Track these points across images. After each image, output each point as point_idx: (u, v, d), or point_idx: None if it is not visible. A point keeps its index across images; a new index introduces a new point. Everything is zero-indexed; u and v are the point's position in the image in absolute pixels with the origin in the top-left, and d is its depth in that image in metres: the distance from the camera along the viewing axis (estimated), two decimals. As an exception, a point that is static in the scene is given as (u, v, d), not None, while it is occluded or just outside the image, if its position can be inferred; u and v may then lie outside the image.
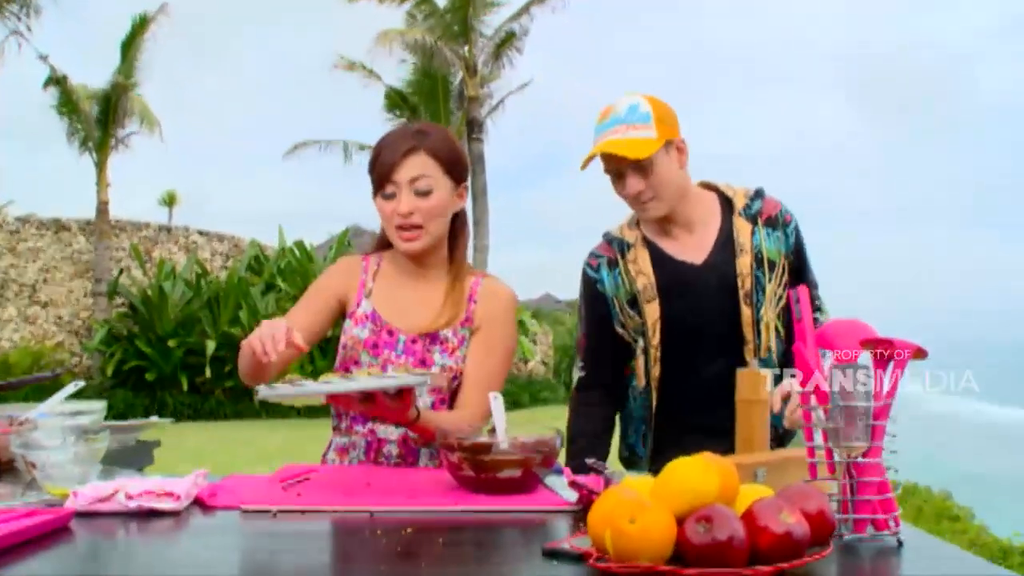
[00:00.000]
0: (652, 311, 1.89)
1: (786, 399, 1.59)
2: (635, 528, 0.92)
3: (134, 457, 1.75)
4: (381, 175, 1.71)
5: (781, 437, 1.81)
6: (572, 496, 1.30)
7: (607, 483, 1.26)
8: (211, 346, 14.20)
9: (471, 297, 1.77)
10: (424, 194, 1.69)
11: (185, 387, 14.45)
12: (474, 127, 17.11)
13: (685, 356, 1.88)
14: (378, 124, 18.23)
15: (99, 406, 1.59)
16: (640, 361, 1.92)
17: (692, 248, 1.92)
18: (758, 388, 1.45)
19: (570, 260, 2.03)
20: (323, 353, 12.55)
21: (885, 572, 1.04)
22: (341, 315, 1.81)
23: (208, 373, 14.25)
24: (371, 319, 1.76)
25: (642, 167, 1.81)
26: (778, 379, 1.56)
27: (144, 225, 16.77)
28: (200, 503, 1.31)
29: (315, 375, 1.51)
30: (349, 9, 17.33)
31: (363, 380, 1.47)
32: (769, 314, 1.88)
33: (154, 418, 1.93)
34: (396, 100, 18.00)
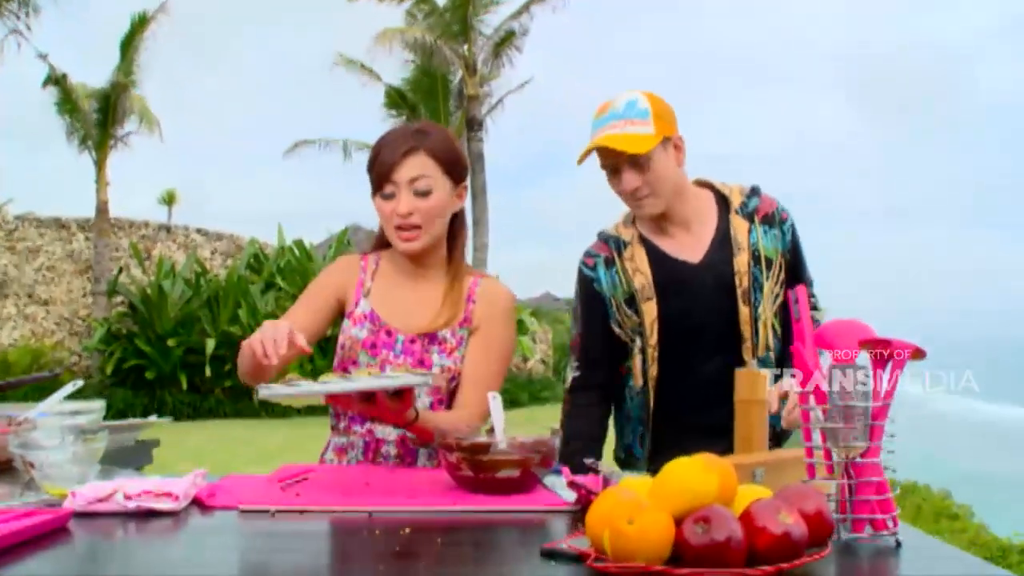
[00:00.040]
0: (650, 310, 1.88)
1: (783, 399, 1.59)
2: (633, 529, 0.92)
3: (133, 457, 1.76)
4: (380, 175, 1.70)
5: (778, 436, 1.81)
6: (571, 496, 1.30)
7: (606, 483, 1.26)
8: (211, 345, 14.20)
9: (469, 297, 1.77)
10: (423, 194, 1.69)
11: (184, 386, 14.45)
12: (474, 126, 17.11)
13: (683, 355, 1.88)
14: (378, 123, 18.25)
15: (97, 406, 1.59)
16: (637, 361, 1.91)
17: (689, 246, 1.91)
18: (757, 388, 1.45)
19: (570, 259, 2.03)
20: (323, 352, 12.54)
21: (883, 572, 1.04)
22: (341, 314, 1.81)
23: (208, 372, 14.24)
24: (369, 319, 1.75)
25: (639, 163, 1.81)
26: (777, 379, 1.56)
27: (143, 224, 16.76)
28: (199, 503, 1.31)
29: (315, 374, 1.51)
30: (349, 8, 17.34)
31: (363, 380, 1.46)
32: (767, 312, 1.88)
33: (153, 417, 1.93)
34: (396, 99, 17.99)
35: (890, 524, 1.11)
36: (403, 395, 1.49)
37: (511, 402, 14.22)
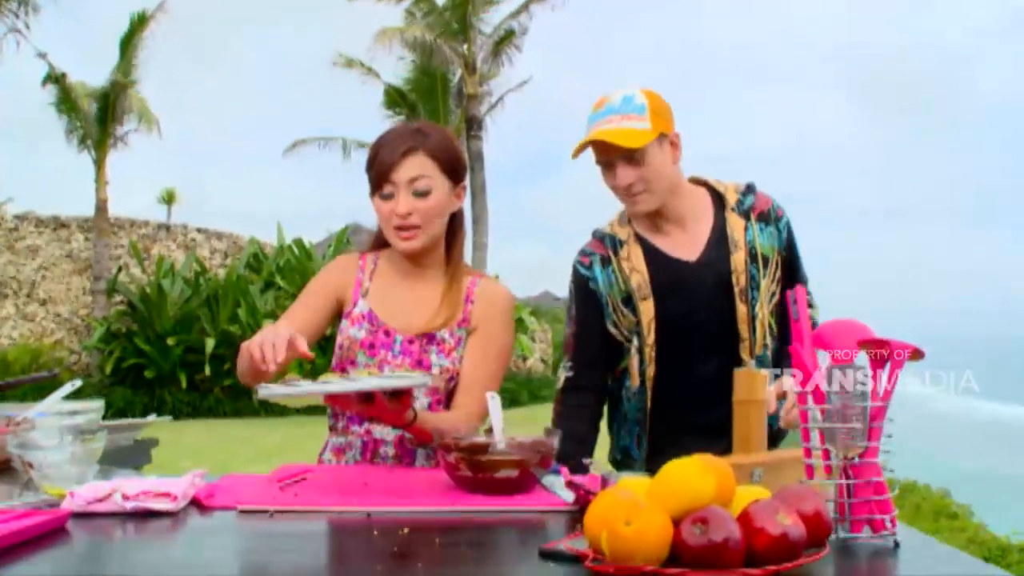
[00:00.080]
0: (647, 309, 1.87)
1: (781, 398, 1.59)
2: (631, 529, 0.92)
3: (132, 456, 1.76)
4: (379, 175, 1.70)
5: (774, 436, 1.81)
6: (569, 496, 1.30)
7: (604, 483, 1.26)
8: (210, 344, 14.20)
9: (468, 297, 1.77)
10: (423, 194, 1.69)
11: (184, 385, 14.45)
12: (473, 125, 17.11)
13: (680, 355, 1.87)
14: (377, 122, 18.24)
15: (96, 406, 1.59)
16: (634, 361, 1.90)
17: (685, 245, 1.90)
18: (756, 388, 1.45)
19: (569, 258, 2.02)
20: (322, 351, 12.53)
21: (882, 573, 1.04)
22: (340, 313, 1.81)
23: (207, 371, 14.24)
24: (368, 319, 1.75)
25: (634, 158, 1.80)
26: (776, 379, 1.56)
27: (143, 223, 16.76)
28: (197, 503, 1.31)
29: (314, 373, 1.51)
30: (348, 8, 17.35)
31: (362, 380, 1.46)
32: (764, 311, 1.87)
33: (153, 416, 1.93)
34: (395, 98, 17.98)
35: (888, 524, 1.11)
36: (402, 395, 1.49)
37: (511, 401, 14.22)
